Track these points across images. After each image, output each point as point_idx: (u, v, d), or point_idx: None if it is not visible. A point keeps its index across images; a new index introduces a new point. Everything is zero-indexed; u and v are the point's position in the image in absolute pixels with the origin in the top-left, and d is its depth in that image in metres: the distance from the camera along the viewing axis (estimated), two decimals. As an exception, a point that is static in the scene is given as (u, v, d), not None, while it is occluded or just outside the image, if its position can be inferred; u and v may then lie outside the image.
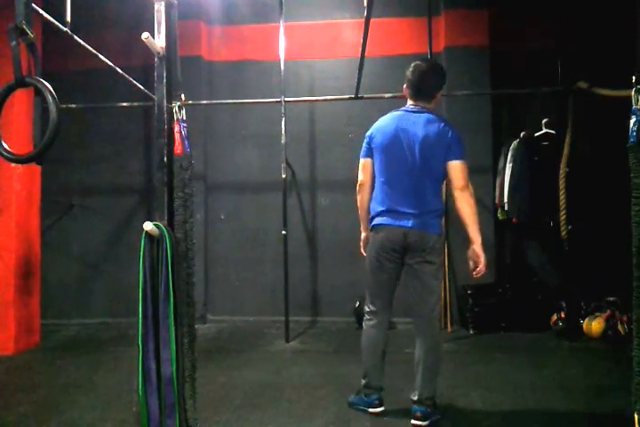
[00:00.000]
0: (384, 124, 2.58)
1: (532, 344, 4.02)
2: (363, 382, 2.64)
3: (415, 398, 2.47)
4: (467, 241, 4.68)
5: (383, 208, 2.52)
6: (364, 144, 2.64)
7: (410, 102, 2.61)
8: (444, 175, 2.52)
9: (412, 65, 2.58)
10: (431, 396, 2.47)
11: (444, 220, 4.69)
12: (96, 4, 4.56)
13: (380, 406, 2.58)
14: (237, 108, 5.04)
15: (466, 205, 2.44)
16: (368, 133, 2.64)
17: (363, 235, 2.76)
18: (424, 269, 2.49)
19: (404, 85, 2.63)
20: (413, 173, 2.48)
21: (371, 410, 2.58)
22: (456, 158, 2.48)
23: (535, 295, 4.51)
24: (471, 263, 2.50)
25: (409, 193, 2.48)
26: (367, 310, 2.65)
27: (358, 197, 2.68)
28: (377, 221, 2.55)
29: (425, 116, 2.52)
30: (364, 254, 2.70)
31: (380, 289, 2.60)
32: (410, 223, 2.45)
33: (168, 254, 1.73)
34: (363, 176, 2.63)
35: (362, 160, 2.65)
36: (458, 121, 4.75)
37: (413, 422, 2.43)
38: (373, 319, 2.62)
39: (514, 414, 2.59)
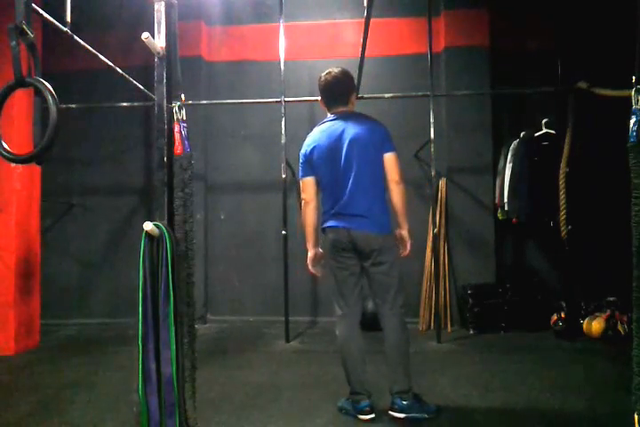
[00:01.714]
0: (316, 139, 2.62)
1: (531, 344, 4.02)
2: (350, 389, 2.59)
3: (393, 391, 2.52)
4: (467, 242, 4.70)
5: (331, 212, 2.58)
6: (301, 164, 2.65)
7: (330, 112, 2.68)
8: (384, 173, 2.58)
9: (321, 76, 2.67)
10: (407, 389, 2.50)
11: (444, 220, 4.77)
12: (96, 4, 4.57)
13: (371, 412, 2.50)
14: (237, 108, 5.04)
15: (400, 198, 2.56)
16: (302, 152, 2.65)
17: (310, 253, 2.69)
18: (377, 270, 2.55)
19: (319, 98, 2.72)
20: (355, 175, 2.52)
21: (361, 417, 2.50)
22: (389, 151, 2.55)
23: (535, 295, 4.51)
24: (400, 245, 2.65)
25: (354, 195, 2.52)
26: (337, 314, 2.63)
27: (304, 216, 2.63)
28: (325, 224, 2.61)
29: (349, 118, 2.60)
30: (312, 272, 2.73)
31: (346, 289, 2.60)
32: (354, 224, 2.51)
33: (168, 254, 1.73)
34: (307, 195, 2.62)
35: (304, 180, 2.63)
36: (458, 121, 4.79)
37: (390, 412, 2.50)
38: (345, 323, 2.60)
39: (514, 414, 2.58)
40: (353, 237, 2.51)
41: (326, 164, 2.57)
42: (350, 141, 2.53)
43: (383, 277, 2.55)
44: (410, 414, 2.47)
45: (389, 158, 2.55)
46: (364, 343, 2.62)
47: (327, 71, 2.66)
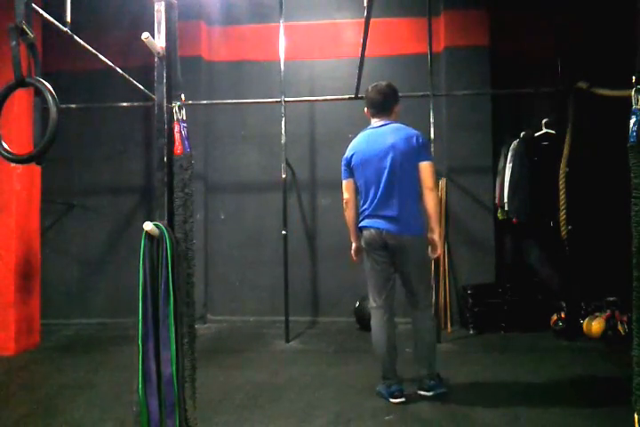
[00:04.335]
0: (357, 145, 2.88)
1: (532, 344, 4.02)
2: (382, 374, 2.82)
3: (424, 373, 2.80)
4: (467, 242, 4.71)
5: (367, 213, 2.81)
6: (343, 166, 2.92)
7: (373, 120, 2.92)
8: (419, 178, 2.77)
9: (369, 88, 2.92)
10: (432, 372, 2.80)
11: (444, 220, 4.77)
12: (96, 4, 4.57)
13: (401, 396, 2.71)
14: (237, 108, 5.04)
15: (432, 204, 2.76)
16: (345, 156, 2.91)
17: (354, 245, 3.00)
18: (407, 269, 2.80)
19: (365, 109, 2.94)
20: (389, 180, 2.74)
21: (392, 400, 2.72)
22: (425, 160, 2.76)
23: (535, 295, 4.51)
24: (430, 248, 2.85)
25: (387, 198, 2.74)
26: (370, 306, 2.89)
27: (346, 214, 2.95)
28: (361, 223, 2.85)
29: (390, 126, 2.84)
30: (355, 261, 3.05)
31: (377, 283, 2.84)
32: (386, 226, 2.73)
33: (168, 254, 1.73)
34: (347, 195, 2.92)
35: (344, 181, 2.93)
36: (458, 121, 4.79)
37: (419, 392, 2.79)
38: (376, 314, 2.84)
39: (514, 413, 2.58)
40: (384, 237, 2.73)
41: (364, 168, 2.80)
42: (388, 149, 2.74)
43: (414, 276, 2.79)
44: (435, 392, 2.76)
45: (425, 166, 2.74)
46: (395, 334, 2.84)
47: (374, 84, 2.91)
